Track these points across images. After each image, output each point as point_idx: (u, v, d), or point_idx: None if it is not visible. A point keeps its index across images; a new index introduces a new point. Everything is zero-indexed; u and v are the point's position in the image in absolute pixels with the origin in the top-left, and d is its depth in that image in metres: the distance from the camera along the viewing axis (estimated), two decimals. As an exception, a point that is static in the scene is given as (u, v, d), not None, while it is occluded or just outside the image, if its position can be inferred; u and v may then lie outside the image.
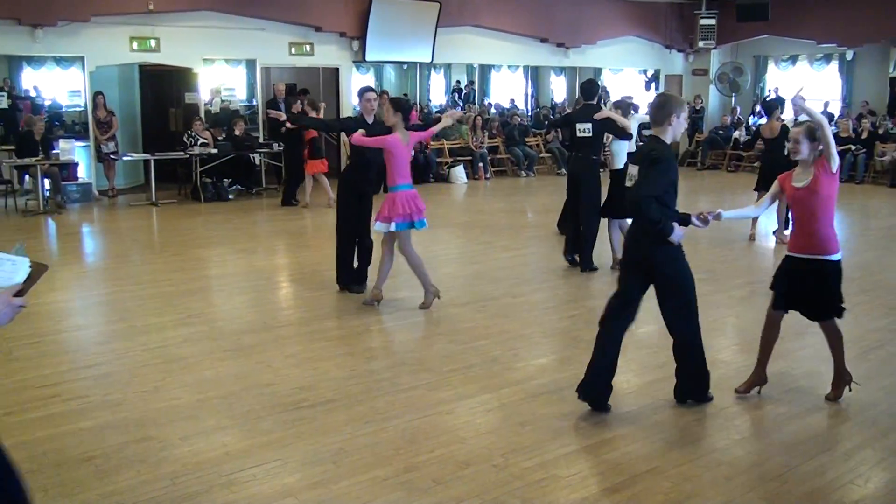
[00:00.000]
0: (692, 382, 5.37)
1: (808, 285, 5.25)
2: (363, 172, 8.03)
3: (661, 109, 5.08)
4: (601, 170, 9.32)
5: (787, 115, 11.84)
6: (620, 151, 8.99)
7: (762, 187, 10.41)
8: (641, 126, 9.43)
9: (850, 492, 4.29)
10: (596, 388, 5.22)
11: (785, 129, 10.27)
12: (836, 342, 5.39)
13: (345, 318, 7.35)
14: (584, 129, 9.02)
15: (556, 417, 5.15)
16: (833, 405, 5.41)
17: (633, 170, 5.17)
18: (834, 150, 5.08)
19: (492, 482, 4.30)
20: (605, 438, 4.85)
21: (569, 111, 14.36)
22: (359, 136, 7.44)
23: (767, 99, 11.81)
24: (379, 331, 7.22)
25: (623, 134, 8.84)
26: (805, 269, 5.25)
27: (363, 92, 8.16)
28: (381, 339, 7.06)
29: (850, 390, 5.46)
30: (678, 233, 5.05)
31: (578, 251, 9.25)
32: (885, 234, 11.42)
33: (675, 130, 5.07)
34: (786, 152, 10.14)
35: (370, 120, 7.90)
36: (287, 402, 5.37)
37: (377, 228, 7.43)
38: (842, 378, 5.45)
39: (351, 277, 8.18)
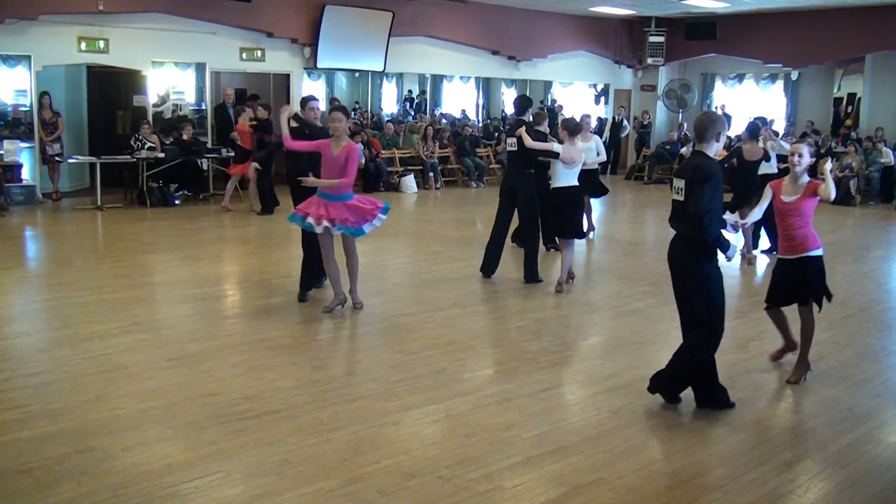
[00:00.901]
0: (667, 378, 5.52)
1: (795, 280, 6.07)
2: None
3: (711, 127, 5.29)
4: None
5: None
6: (560, 171, 8.76)
7: (741, 206, 9.62)
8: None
9: (790, 502, 4.39)
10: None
11: (765, 151, 10.40)
12: (808, 330, 6.11)
13: (291, 327, 7.30)
14: (511, 143, 9.26)
15: (501, 429, 5.18)
16: (771, 419, 5.56)
17: (679, 183, 5.28)
18: (832, 186, 6.24)
19: (437, 494, 4.31)
20: (550, 450, 4.89)
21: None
22: (288, 140, 7.58)
23: (753, 119, 11.70)
24: (325, 340, 7.19)
25: (537, 155, 8.90)
26: (792, 268, 6.07)
27: (307, 100, 8.21)
28: (327, 348, 7.04)
29: (805, 380, 6.13)
30: (734, 248, 5.41)
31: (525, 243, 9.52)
32: (826, 251, 11.59)
33: (718, 146, 5.35)
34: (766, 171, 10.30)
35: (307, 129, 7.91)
36: (231, 412, 5.32)
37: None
38: (804, 365, 6.14)
39: (311, 283, 8.23)
